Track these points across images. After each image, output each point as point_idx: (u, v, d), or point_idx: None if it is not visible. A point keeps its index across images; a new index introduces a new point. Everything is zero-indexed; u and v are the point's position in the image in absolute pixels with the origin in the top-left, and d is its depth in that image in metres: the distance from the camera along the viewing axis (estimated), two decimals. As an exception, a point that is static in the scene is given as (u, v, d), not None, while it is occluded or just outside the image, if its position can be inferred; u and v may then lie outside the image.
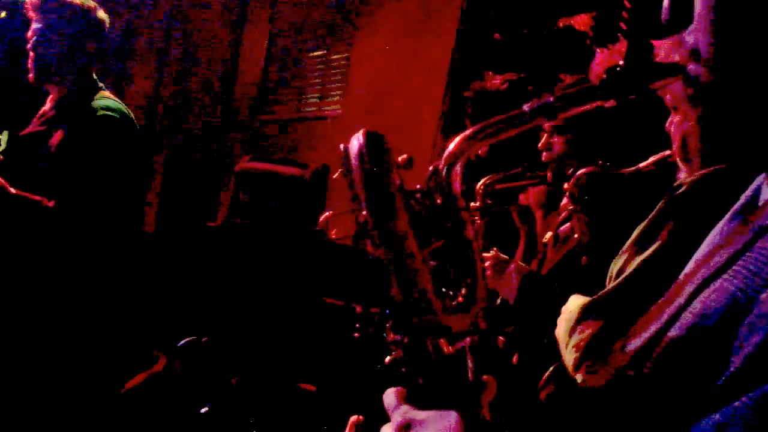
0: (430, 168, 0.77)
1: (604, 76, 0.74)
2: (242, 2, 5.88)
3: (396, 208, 0.70)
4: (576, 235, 1.82)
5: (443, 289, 0.72)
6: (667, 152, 1.61)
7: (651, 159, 1.68)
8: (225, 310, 3.76)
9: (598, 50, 1.83)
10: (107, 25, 2.54)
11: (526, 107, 0.76)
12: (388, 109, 4.36)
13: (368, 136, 0.72)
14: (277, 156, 5.15)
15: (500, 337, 1.80)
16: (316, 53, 5.41)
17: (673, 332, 0.63)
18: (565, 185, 1.72)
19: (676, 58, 0.70)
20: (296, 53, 5.57)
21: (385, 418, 0.73)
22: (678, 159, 1.42)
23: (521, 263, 2.01)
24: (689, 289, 0.64)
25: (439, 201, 0.76)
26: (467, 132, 0.76)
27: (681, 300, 0.64)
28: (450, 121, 3.98)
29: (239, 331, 3.60)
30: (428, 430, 0.67)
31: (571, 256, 1.91)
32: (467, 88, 3.92)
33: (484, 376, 0.73)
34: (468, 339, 0.72)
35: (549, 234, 2.05)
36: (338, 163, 0.75)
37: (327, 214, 2.86)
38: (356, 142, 0.72)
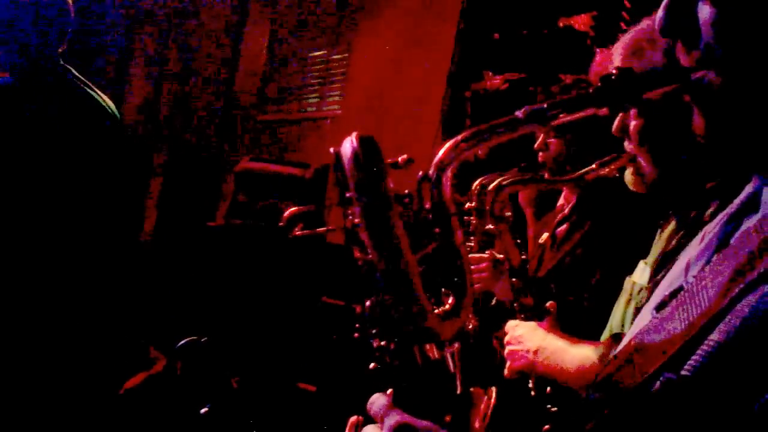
0: (420, 173, 0.75)
1: (599, 83, 0.73)
2: (242, 2, 5.88)
3: (390, 212, 0.68)
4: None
5: (431, 296, 0.71)
6: (615, 156, 1.59)
7: (596, 164, 1.67)
8: (225, 310, 3.76)
9: (598, 50, 1.82)
10: None
11: (518, 113, 0.75)
12: (388, 109, 4.36)
13: (362, 139, 0.69)
14: (277, 156, 5.16)
15: (494, 340, 1.80)
16: (316, 53, 5.41)
17: (715, 336, 0.60)
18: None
19: (683, 62, 0.68)
20: (296, 53, 5.57)
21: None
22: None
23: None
24: (722, 293, 0.61)
25: (428, 206, 0.74)
26: (457, 137, 0.75)
27: (723, 303, 0.61)
28: (450, 121, 3.98)
29: (239, 331, 3.60)
30: None
31: (569, 257, 1.91)
32: (467, 88, 3.92)
33: (472, 388, 0.72)
34: (456, 345, 0.71)
35: (545, 235, 2.04)
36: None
37: (292, 210, 2.81)
38: (349, 145, 0.70)
